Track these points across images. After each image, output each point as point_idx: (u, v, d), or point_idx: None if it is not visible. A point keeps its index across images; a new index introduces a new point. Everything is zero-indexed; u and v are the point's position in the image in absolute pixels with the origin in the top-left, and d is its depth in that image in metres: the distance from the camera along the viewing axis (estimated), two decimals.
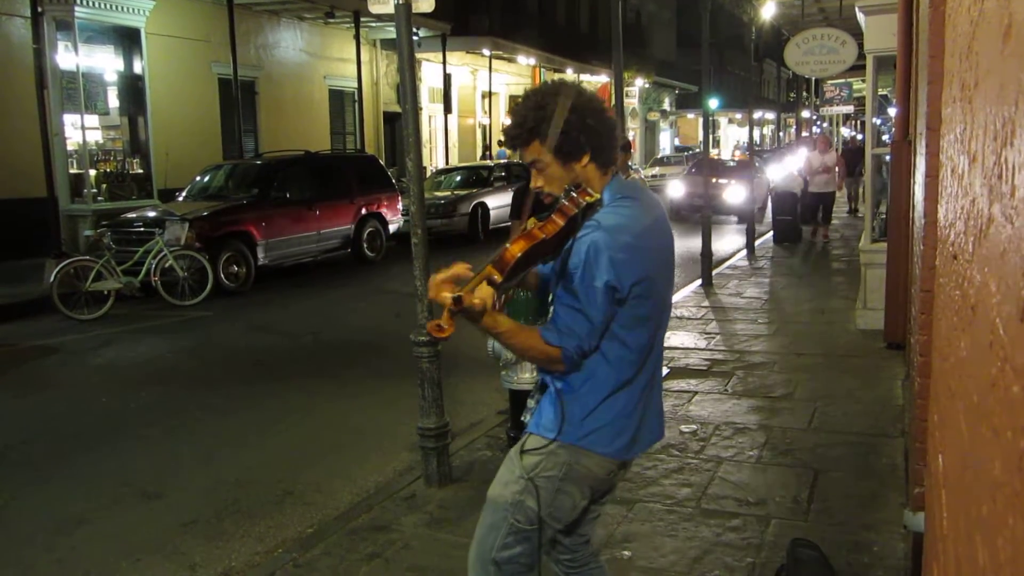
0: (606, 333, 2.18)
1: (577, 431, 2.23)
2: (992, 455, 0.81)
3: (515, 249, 2.17)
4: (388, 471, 4.91)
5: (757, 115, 39.75)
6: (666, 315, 2.37)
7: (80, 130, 13.22)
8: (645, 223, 2.22)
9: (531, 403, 2.40)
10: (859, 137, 35.94)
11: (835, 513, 4.03)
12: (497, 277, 2.14)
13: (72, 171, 13.43)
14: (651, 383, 2.35)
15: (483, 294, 2.07)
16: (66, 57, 12.98)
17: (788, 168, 18.34)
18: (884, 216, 7.95)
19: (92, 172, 13.56)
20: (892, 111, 17.69)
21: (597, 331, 2.16)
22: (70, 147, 13.40)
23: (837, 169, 15.18)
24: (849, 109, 33.83)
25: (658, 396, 2.43)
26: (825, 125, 40.30)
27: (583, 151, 2.19)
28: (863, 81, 18.28)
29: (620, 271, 2.11)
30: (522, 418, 2.43)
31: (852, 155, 18.72)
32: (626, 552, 3.68)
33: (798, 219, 14.82)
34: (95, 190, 13.55)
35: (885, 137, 28.85)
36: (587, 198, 2.24)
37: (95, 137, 14.12)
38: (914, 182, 4.78)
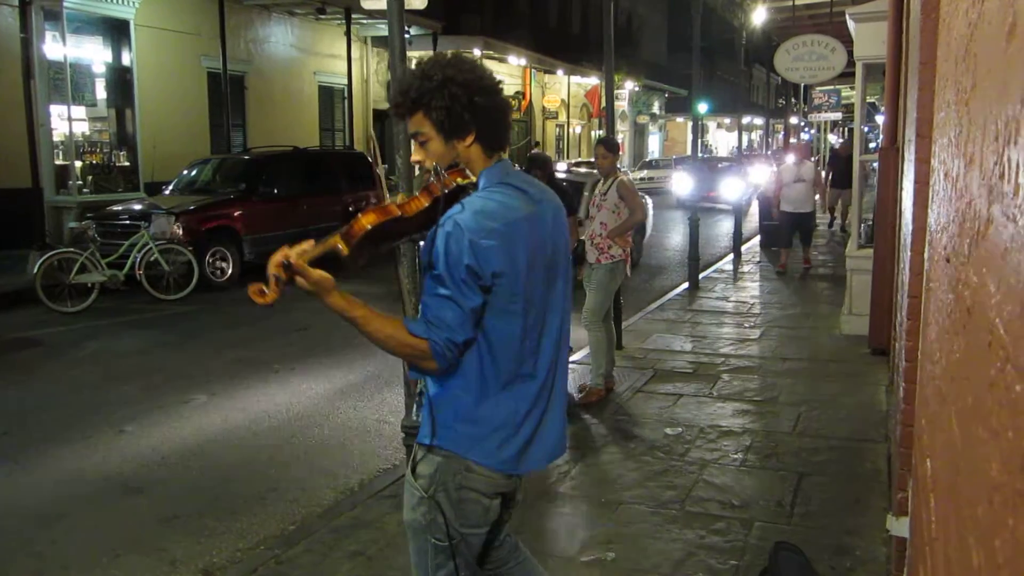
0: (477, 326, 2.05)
1: (453, 435, 2.10)
2: (989, 456, 0.81)
3: (365, 221, 2.05)
4: (372, 469, 4.89)
5: (746, 120, 39.92)
6: (549, 317, 2.18)
7: (67, 121, 13.12)
8: (519, 214, 2.07)
9: (415, 410, 2.30)
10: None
11: (818, 517, 4.04)
12: (343, 248, 2.02)
13: (58, 162, 13.32)
14: (544, 393, 2.18)
15: (322, 271, 1.97)
16: (54, 47, 12.88)
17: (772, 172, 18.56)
18: (870, 223, 8.00)
19: (78, 164, 13.46)
20: (880, 119, 17.81)
21: (468, 320, 2.00)
22: (56, 138, 13.29)
23: (817, 185, 12.32)
24: (837, 116, 33.98)
25: (558, 410, 2.26)
26: (813, 131, 40.46)
27: (467, 130, 2.07)
28: (851, 88, 18.36)
29: (481, 257, 1.97)
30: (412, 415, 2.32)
31: (844, 163, 15.86)
32: (610, 554, 3.68)
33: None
34: (81, 182, 13.45)
35: (872, 144, 29.01)
36: (459, 179, 2.13)
37: (82, 128, 14.03)
38: (901, 188, 4.80)
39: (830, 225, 17.60)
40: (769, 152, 32.90)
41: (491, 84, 2.13)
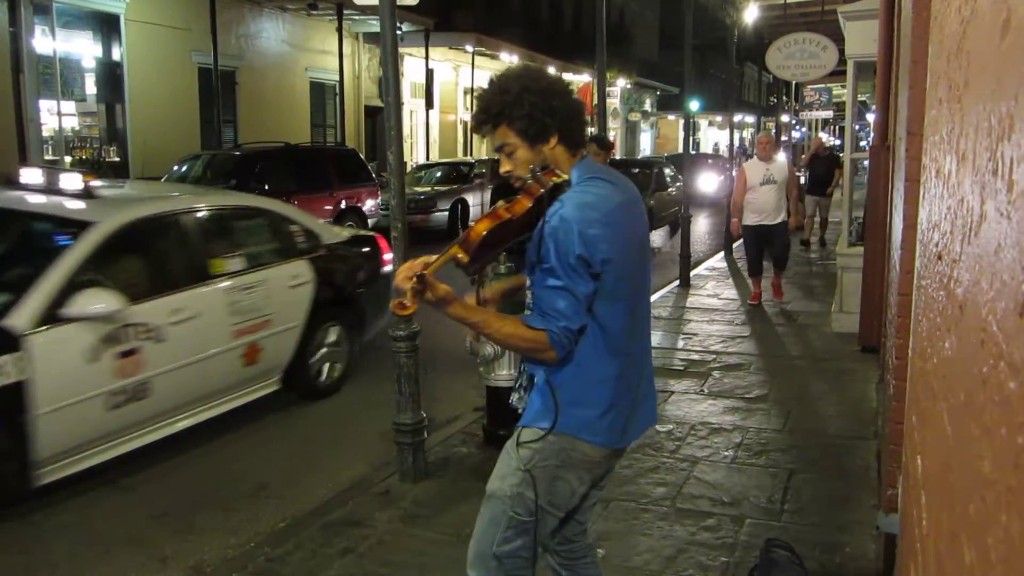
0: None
1: (568, 420, 2.22)
2: (981, 453, 0.81)
3: (480, 228, 2.17)
4: (363, 466, 4.88)
5: (737, 118, 39.98)
6: (643, 299, 2.36)
7: (56, 116, 13.07)
8: (613, 203, 2.21)
9: (514, 396, 2.39)
10: (835, 142, 36.02)
11: (808, 514, 4.05)
12: (463, 257, 2.15)
13: (47, 157, 13.24)
14: (640, 369, 2.35)
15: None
16: (43, 42, 12.81)
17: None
18: (861, 220, 8.02)
19: (68, 159, 13.41)
20: (871, 117, 17.64)
21: (582, 307, 2.13)
22: (45, 133, 13.23)
23: (790, 189, 8.90)
24: (828, 114, 34.12)
25: (649, 382, 2.43)
26: (804, 129, 40.52)
27: (550, 133, 2.21)
28: (843, 86, 18.34)
29: (590, 245, 2.10)
30: (510, 401, 2.43)
31: (823, 165, 14.40)
32: (600, 551, 3.67)
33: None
34: None
35: (863, 143, 29.10)
36: (554, 178, 2.25)
37: (71, 124, 13.97)
38: (892, 186, 4.81)
39: (804, 244, 14.08)
40: (737, 150, 32.89)
41: (563, 88, 2.28)
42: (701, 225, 18.11)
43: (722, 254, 13.31)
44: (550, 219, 2.13)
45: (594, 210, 2.14)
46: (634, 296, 2.27)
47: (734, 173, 11.73)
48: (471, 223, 2.22)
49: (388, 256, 6.36)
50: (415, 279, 2.08)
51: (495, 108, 2.21)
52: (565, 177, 2.26)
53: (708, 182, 23.81)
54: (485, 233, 2.16)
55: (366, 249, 6.81)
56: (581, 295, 2.11)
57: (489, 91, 2.25)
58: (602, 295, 2.16)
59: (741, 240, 9.80)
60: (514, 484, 2.27)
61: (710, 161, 27.88)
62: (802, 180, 14.17)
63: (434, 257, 2.14)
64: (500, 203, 2.23)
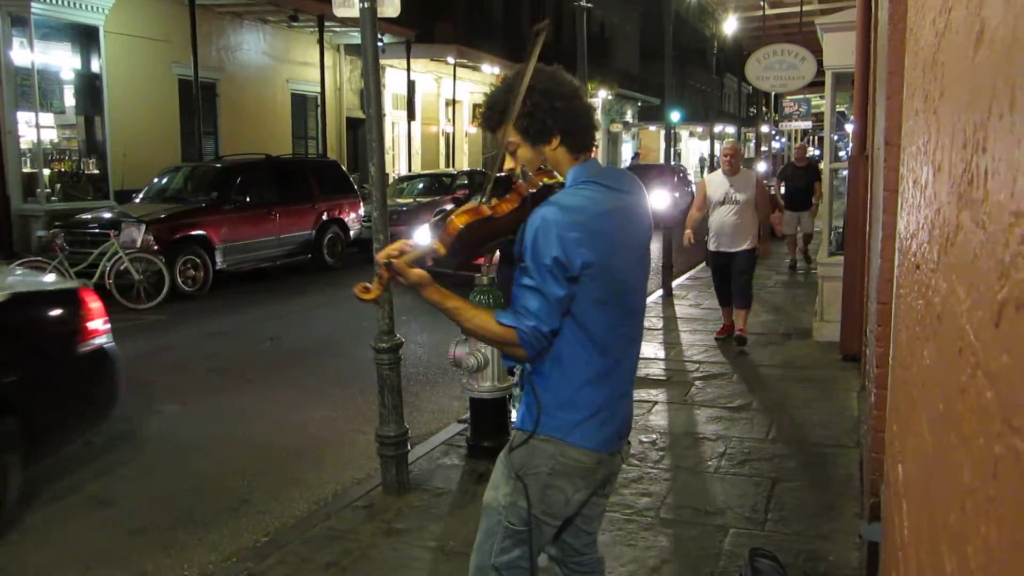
0: (567, 315, 2.14)
1: (556, 423, 2.20)
2: (960, 462, 0.81)
3: (458, 221, 2.14)
4: (346, 479, 4.85)
5: (717, 129, 40.25)
6: (635, 304, 2.32)
7: (35, 128, 12.96)
8: (603, 208, 2.17)
9: (514, 393, 2.39)
10: (816, 153, 36.08)
11: (792, 523, 4.06)
12: (440, 249, 2.13)
13: (25, 170, 13.15)
14: (629, 375, 2.34)
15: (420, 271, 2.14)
16: (21, 54, 12.73)
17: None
18: (841, 230, 8.07)
19: (46, 171, 13.30)
20: (849, 127, 17.77)
21: (554, 310, 2.10)
22: (24, 145, 13.12)
23: (760, 207, 7.60)
24: (808, 124, 34.38)
25: (631, 388, 2.41)
26: (784, 139, 40.82)
27: (551, 133, 2.19)
28: (822, 97, 18.53)
29: (568, 249, 2.07)
30: (509, 402, 2.43)
31: (803, 177, 12.84)
32: None
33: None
34: (49, 190, 13.29)
35: (842, 154, 29.35)
36: (545, 179, 2.23)
37: (50, 136, 13.85)
38: (872, 196, 4.86)
39: (791, 267, 12.91)
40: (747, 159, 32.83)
41: (570, 89, 2.23)
42: (653, 249, 15.14)
43: (704, 263, 13.32)
44: (533, 219, 2.11)
45: (579, 213, 2.11)
46: (623, 301, 2.24)
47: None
48: (451, 216, 2.18)
49: (99, 322, 4.61)
50: (384, 266, 2.09)
51: (499, 105, 2.20)
52: (559, 179, 2.24)
53: (658, 199, 21.02)
54: (462, 227, 2.13)
55: (51, 312, 4.53)
56: (552, 298, 2.08)
57: (497, 89, 2.25)
58: (586, 299, 2.13)
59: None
60: (507, 493, 2.25)
61: (656, 173, 23.13)
62: (777, 192, 13.34)
63: (413, 242, 2.16)
64: (487, 200, 2.21)
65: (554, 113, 2.17)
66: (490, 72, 26.22)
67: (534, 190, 2.22)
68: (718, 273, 7.87)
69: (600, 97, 33.13)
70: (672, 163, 23.66)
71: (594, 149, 2.32)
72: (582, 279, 2.10)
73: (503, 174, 2.27)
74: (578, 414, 2.20)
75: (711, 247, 7.74)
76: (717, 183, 7.61)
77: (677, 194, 15.22)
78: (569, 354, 2.17)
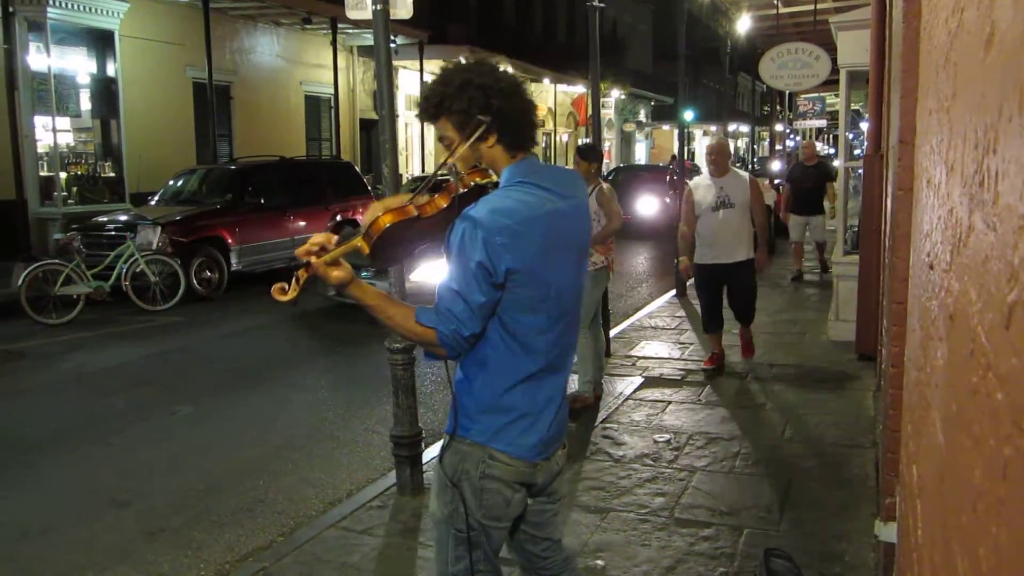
0: (492, 319, 2.09)
1: (479, 427, 2.16)
2: (972, 464, 0.81)
3: (383, 220, 2.07)
4: (361, 479, 4.87)
5: (732, 128, 40.13)
6: (567, 308, 2.22)
7: (51, 132, 13.06)
8: (536, 211, 2.09)
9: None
10: (830, 151, 35.77)
11: (807, 523, 4.05)
12: (364, 247, 2.07)
13: (42, 174, 13.25)
14: (561, 379, 2.27)
15: (346, 268, 2.08)
16: (38, 58, 12.82)
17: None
18: (856, 229, 8.03)
19: (63, 175, 13.39)
20: (864, 125, 17.61)
21: (476, 315, 2.04)
22: (40, 149, 13.22)
23: (758, 213, 6.66)
24: (822, 123, 34.20)
25: (564, 396, 2.32)
26: (798, 138, 40.61)
27: (488, 131, 2.12)
28: (836, 95, 18.43)
29: (493, 254, 1.99)
30: None
31: (811, 178, 11.63)
32: (599, 561, 3.67)
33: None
34: (65, 193, 13.38)
35: (857, 152, 29.15)
36: (478, 179, 2.17)
37: (66, 140, 13.95)
38: (887, 195, 4.83)
39: (796, 279, 11.54)
40: (763, 158, 32.57)
41: (509, 86, 2.16)
42: (639, 264, 14.30)
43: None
44: (460, 221, 2.03)
45: (507, 217, 2.02)
46: (554, 306, 2.15)
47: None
48: (378, 214, 2.10)
49: None
50: (303, 267, 2.03)
51: (435, 99, 2.14)
52: (493, 179, 2.17)
53: (647, 205, 18.46)
54: (388, 226, 2.06)
55: None
56: (474, 303, 2.02)
57: (433, 81, 2.18)
58: (513, 304, 2.07)
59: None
60: (447, 502, 2.21)
61: (647, 175, 20.51)
62: (780, 193, 12.45)
63: (335, 238, 2.08)
64: (414, 198, 2.14)
65: (491, 111, 2.10)
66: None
67: (464, 190, 2.14)
68: (709, 290, 6.76)
69: (613, 97, 33.09)
70: (690, 162, 23.29)
71: (535, 147, 2.25)
72: (508, 284, 2.04)
73: (444, 173, 2.20)
74: (501, 419, 2.15)
75: (701, 260, 6.63)
76: (705, 187, 6.58)
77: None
78: (494, 358, 2.12)
